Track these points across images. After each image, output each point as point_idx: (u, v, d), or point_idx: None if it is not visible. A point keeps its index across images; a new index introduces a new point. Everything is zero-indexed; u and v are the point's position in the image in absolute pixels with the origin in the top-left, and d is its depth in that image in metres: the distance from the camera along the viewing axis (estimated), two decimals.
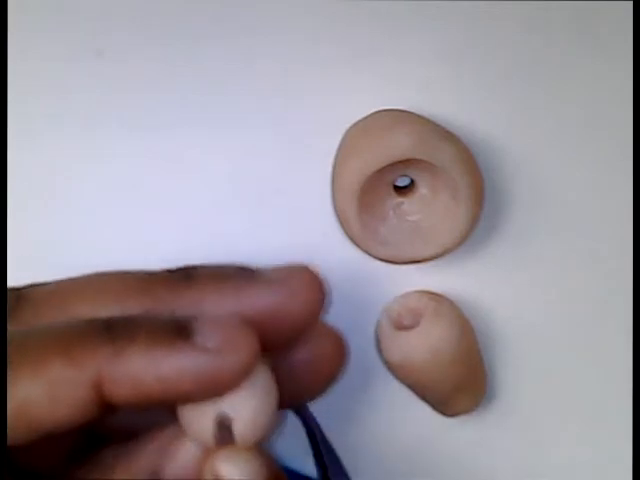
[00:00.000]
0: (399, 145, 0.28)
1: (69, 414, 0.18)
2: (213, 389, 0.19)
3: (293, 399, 0.21)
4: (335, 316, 0.33)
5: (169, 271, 0.21)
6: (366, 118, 0.31)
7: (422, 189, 0.31)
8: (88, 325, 0.19)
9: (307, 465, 0.31)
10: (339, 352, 0.23)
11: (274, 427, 0.20)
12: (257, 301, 0.21)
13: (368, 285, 0.33)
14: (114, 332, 0.18)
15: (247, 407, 0.19)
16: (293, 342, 0.22)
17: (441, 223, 0.30)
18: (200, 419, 0.19)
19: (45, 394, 0.18)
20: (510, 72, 0.32)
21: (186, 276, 0.21)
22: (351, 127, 0.31)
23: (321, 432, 0.30)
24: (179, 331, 0.19)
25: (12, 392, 0.17)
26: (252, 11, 0.31)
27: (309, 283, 0.21)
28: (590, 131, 0.32)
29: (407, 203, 0.31)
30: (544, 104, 0.32)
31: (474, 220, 0.30)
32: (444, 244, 0.30)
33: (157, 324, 0.19)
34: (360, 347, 0.33)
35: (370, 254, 0.30)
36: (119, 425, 0.22)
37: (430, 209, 0.30)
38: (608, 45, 0.32)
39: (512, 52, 0.32)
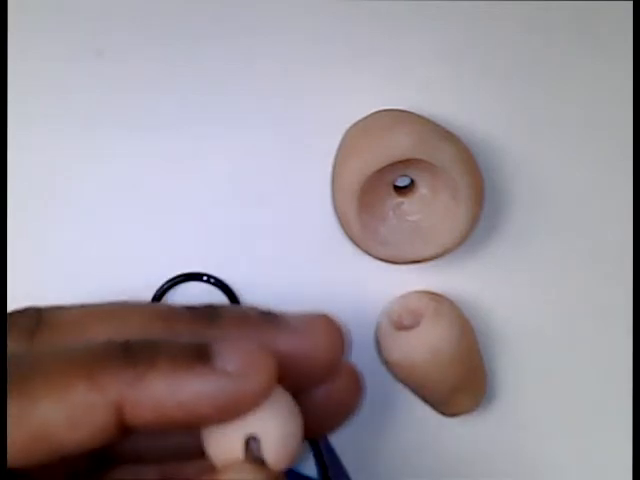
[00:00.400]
0: (399, 145, 0.28)
1: (89, 437, 0.18)
2: (234, 412, 0.19)
3: (311, 433, 0.21)
4: (334, 314, 0.33)
5: (193, 308, 0.22)
6: (366, 118, 0.31)
7: (422, 189, 0.31)
8: (109, 348, 0.19)
9: (307, 465, 0.31)
10: (357, 389, 0.24)
11: (300, 449, 0.20)
12: (279, 346, 0.21)
13: (368, 285, 0.33)
14: (135, 356, 0.19)
15: (273, 427, 0.19)
16: (315, 386, 0.23)
17: (441, 223, 0.30)
18: (226, 442, 0.19)
19: (67, 417, 0.18)
20: (510, 72, 0.32)
21: (210, 316, 0.21)
22: (351, 127, 0.31)
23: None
24: (199, 355, 0.19)
25: (33, 413, 0.18)
26: (252, 11, 0.31)
27: (330, 331, 0.22)
28: (590, 131, 0.32)
29: (407, 203, 0.31)
30: (544, 104, 0.32)
31: (474, 220, 0.30)
32: (444, 244, 0.30)
33: (177, 347, 0.19)
34: (360, 347, 0.33)
35: (370, 254, 0.30)
36: (124, 447, 0.22)
37: (430, 209, 0.30)
38: (608, 45, 0.32)
39: (512, 52, 0.32)
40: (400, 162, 0.29)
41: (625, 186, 0.32)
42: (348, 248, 0.31)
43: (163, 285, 0.32)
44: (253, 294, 0.33)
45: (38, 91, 0.32)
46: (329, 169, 0.31)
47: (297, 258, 0.33)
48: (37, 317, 0.21)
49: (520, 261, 0.33)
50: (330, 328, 0.22)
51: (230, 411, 0.19)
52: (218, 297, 0.32)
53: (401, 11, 0.31)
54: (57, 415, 0.18)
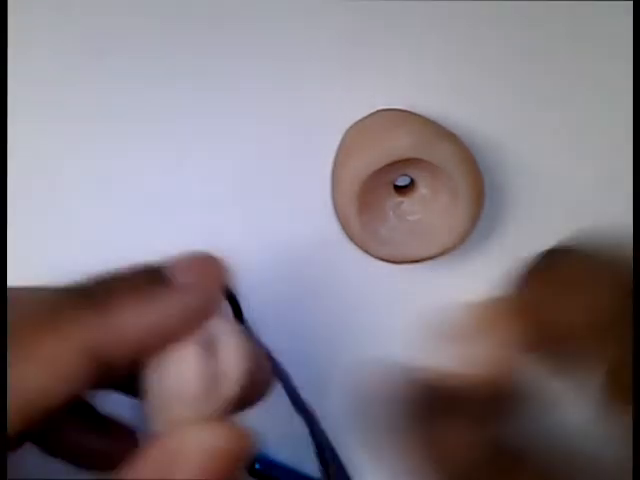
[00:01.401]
0: (399, 145, 0.28)
1: (71, 386, 0.18)
2: (199, 321, 0.19)
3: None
4: (335, 315, 0.33)
5: (81, 288, 0.21)
6: (366, 118, 0.31)
7: (422, 189, 0.31)
8: (68, 295, 0.19)
9: (309, 465, 0.31)
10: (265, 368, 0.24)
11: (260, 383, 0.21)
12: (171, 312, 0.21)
13: (368, 285, 0.33)
14: (94, 297, 0.19)
15: (232, 335, 0.20)
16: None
17: (441, 223, 0.30)
18: (183, 368, 0.20)
19: (42, 371, 0.18)
20: (510, 72, 0.32)
21: (104, 291, 0.21)
22: (351, 127, 0.31)
23: (323, 431, 0.30)
24: (154, 279, 0.19)
25: (12, 375, 0.18)
26: (252, 12, 0.31)
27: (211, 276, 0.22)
28: (590, 131, 0.32)
29: (407, 203, 0.31)
30: (544, 104, 0.32)
31: (474, 220, 0.30)
32: (444, 244, 0.30)
33: (132, 279, 0.19)
34: (359, 346, 0.33)
35: (370, 254, 0.30)
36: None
37: (430, 209, 0.30)
38: (608, 45, 0.32)
39: (512, 52, 0.32)
40: (400, 162, 0.29)
41: (625, 186, 0.32)
42: (348, 248, 0.31)
43: None
44: (253, 294, 0.33)
45: (38, 91, 0.32)
46: (329, 169, 0.31)
47: (297, 258, 0.33)
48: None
49: (520, 261, 0.33)
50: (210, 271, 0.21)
51: (196, 322, 0.19)
52: None
53: (401, 11, 0.31)
54: (33, 371, 0.18)
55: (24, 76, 0.31)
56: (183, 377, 0.19)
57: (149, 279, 0.19)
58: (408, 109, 0.31)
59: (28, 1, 0.31)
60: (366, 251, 0.30)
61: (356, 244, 0.30)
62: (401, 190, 0.31)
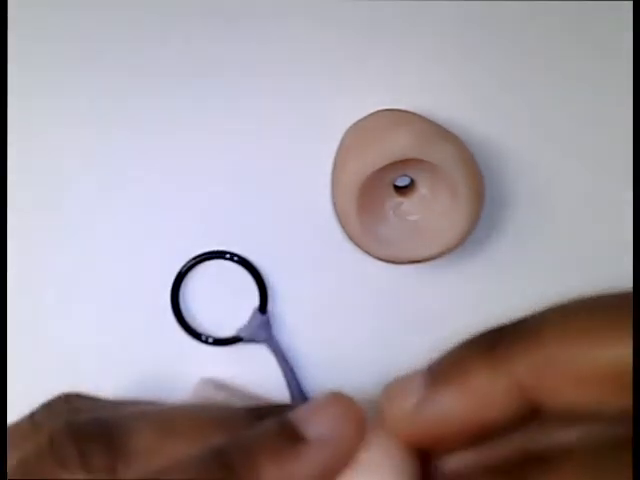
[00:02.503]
0: (399, 145, 0.28)
1: None
2: (335, 472, 0.19)
3: None
4: (335, 314, 0.33)
5: (247, 410, 0.22)
6: (366, 118, 0.31)
7: (422, 189, 0.31)
8: (204, 463, 0.19)
9: None
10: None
11: None
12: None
13: (368, 285, 0.33)
14: (233, 465, 0.19)
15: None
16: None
17: (441, 223, 0.30)
18: None
19: None
20: (510, 72, 0.32)
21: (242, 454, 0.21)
22: (351, 127, 0.31)
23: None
24: (291, 436, 0.19)
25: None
26: (252, 12, 0.31)
27: (350, 427, 0.21)
28: (590, 131, 0.32)
29: (407, 203, 0.31)
30: (544, 104, 0.32)
31: (474, 220, 0.30)
32: (444, 244, 0.30)
33: (268, 439, 0.19)
34: (358, 347, 0.33)
35: (370, 254, 0.30)
36: None
37: (430, 209, 0.30)
38: (608, 45, 0.32)
39: (512, 52, 0.32)
40: (400, 162, 0.29)
41: (625, 185, 0.32)
42: (348, 248, 0.31)
43: (187, 263, 0.32)
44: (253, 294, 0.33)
45: (38, 92, 0.32)
46: (329, 169, 0.31)
47: (297, 258, 0.33)
48: (108, 448, 0.20)
49: (520, 261, 0.33)
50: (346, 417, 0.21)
51: (333, 473, 0.19)
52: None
53: (401, 11, 0.31)
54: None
55: (24, 77, 0.31)
56: None
57: (285, 436, 0.19)
58: (408, 109, 0.31)
59: (28, 1, 0.31)
60: (366, 251, 0.30)
61: (356, 244, 0.30)
62: (401, 190, 0.31)
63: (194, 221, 0.32)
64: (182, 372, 0.33)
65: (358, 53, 0.31)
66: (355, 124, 0.31)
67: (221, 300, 0.33)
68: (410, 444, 0.19)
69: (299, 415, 0.19)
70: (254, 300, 0.33)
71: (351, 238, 0.30)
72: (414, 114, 0.31)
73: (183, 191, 0.32)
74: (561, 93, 0.32)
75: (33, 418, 0.22)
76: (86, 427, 0.21)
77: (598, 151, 0.32)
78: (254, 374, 0.33)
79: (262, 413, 0.22)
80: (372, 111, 0.31)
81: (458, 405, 0.18)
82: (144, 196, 0.32)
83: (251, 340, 0.32)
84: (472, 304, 0.33)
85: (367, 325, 0.33)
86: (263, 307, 0.32)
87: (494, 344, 0.20)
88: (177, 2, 0.31)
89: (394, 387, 0.20)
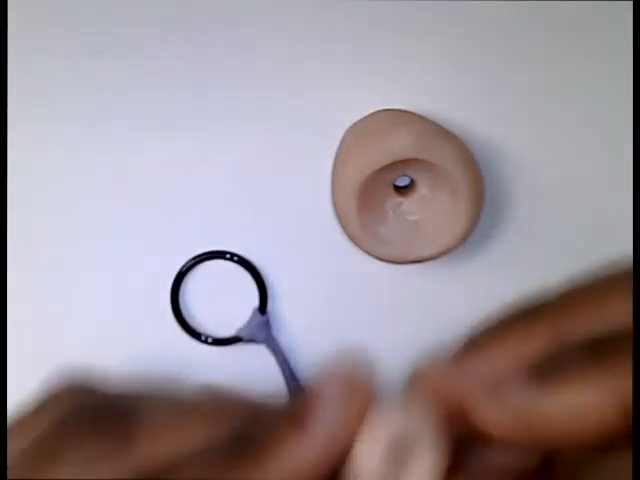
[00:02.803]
0: (399, 145, 0.28)
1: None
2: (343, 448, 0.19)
3: None
4: (335, 315, 0.33)
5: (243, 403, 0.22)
6: (366, 118, 0.31)
7: (422, 189, 0.31)
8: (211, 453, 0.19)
9: None
10: None
11: None
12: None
13: (368, 285, 0.33)
14: (239, 454, 0.19)
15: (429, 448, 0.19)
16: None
17: (441, 223, 0.30)
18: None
19: None
20: (510, 72, 0.32)
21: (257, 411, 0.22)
22: (351, 127, 0.31)
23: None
24: (295, 421, 0.19)
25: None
26: (252, 12, 0.31)
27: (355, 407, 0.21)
28: (590, 131, 0.32)
29: (407, 203, 0.31)
30: (544, 104, 0.32)
31: (474, 220, 0.30)
32: (444, 244, 0.30)
33: (274, 427, 0.19)
34: (358, 345, 0.33)
35: (370, 254, 0.30)
36: None
37: (430, 209, 0.30)
38: (608, 45, 0.32)
39: (512, 52, 0.32)
40: (400, 162, 0.29)
41: (625, 185, 0.32)
42: (348, 248, 0.31)
43: (187, 263, 0.32)
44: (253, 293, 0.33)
45: (38, 91, 0.32)
46: (329, 169, 0.31)
47: (297, 258, 0.33)
48: (122, 429, 0.20)
49: (520, 261, 0.33)
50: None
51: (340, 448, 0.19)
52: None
53: (401, 11, 0.31)
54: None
55: (24, 77, 0.31)
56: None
57: (291, 421, 0.19)
58: (408, 109, 0.31)
59: (28, 1, 0.31)
60: (366, 251, 0.30)
61: (356, 244, 0.30)
62: (401, 190, 0.31)
63: (194, 221, 0.32)
64: (181, 372, 0.33)
65: (358, 53, 0.31)
66: (355, 124, 0.31)
67: (221, 300, 0.33)
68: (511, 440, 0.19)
69: (305, 400, 0.19)
70: (253, 300, 0.33)
71: (351, 238, 0.30)
72: (414, 114, 0.31)
73: (183, 191, 0.32)
74: (561, 93, 0.32)
75: (39, 403, 0.22)
76: (100, 407, 0.21)
77: (598, 151, 0.32)
78: (253, 374, 0.33)
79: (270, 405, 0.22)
80: (372, 111, 0.31)
81: (564, 409, 0.18)
82: (144, 196, 0.32)
83: (250, 340, 0.32)
84: (472, 304, 0.33)
85: (367, 325, 0.33)
86: (263, 307, 0.32)
87: (601, 352, 0.19)
88: (177, 2, 0.31)
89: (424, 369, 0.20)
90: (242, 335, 0.32)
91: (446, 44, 0.31)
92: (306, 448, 0.19)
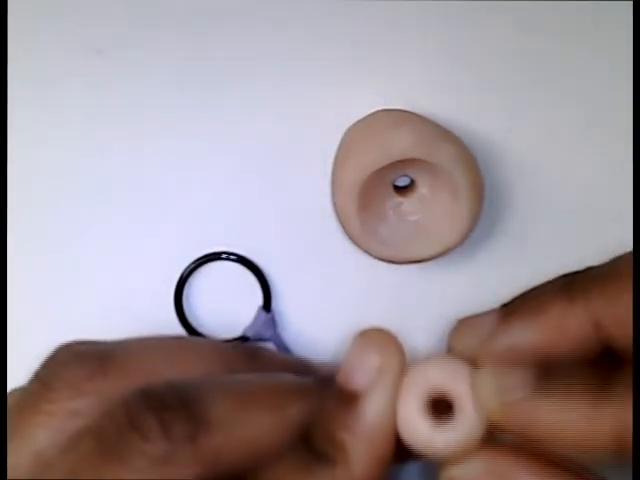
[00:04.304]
0: (399, 145, 0.28)
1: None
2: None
3: None
4: (335, 315, 0.33)
5: (235, 347, 0.22)
6: (366, 118, 0.31)
7: (422, 189, 0.31)
8: None
9: None
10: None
11: None
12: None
13: (368, 285, 0.33)
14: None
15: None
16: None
17: (441, 223, 0.30)
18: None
19: None
20: (510, 72, 0.32)
21: (252, 353, 0.22)
22: (351, 127, 0.31)
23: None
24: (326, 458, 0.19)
25: None
26: (252, 11, 0.31)
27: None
28: (590, 131, 0.32)
29: (407, 203, 0.31)
30: (544, 104, 0.32)
31: (474, 220, 0.30)
32: (444, 244, 0.30)
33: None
34: None
35: (370, 254, 0.30)
36: None
37: (430, 209, 0.30)
38: (608, 45, 0.32)
39: (512, 52, 0.32)
40: (400, 162, 0.29)
41: (625, 186, 0.32)
42: (348, 248, 0.31)
43: (189, 266, 0.32)
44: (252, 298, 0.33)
45: (38, 91, 0.32)
46: (329, 169, 0.31)
47: (297, 258, 0.33)
48: (188, 417, 0.20)
49: (520, 261, 0.33)
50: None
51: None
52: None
53: (401, 11, 0.31)
54: None
55: (23, 77, 0.31)
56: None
57: (344, 403, 0.20)
58: (408, 109, 0.31)
59: (28, 1, 0.31)
60: (366, 251, 0.30)
61: (356, 244, 0.30)
62: (401, 190, 0.31)
63: (195, 222, 0.32)
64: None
65: (358, 53, 0.31)
66: (355, 124, 0.31)
67: (224, 301, 0.33)
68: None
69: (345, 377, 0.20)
70: (255, 302, 0.33)
71: (351, 238, 0.30)
72: (414, 114, 0.31)
73: (184, 192, 0.32)
74: (561, 93, 0.32)
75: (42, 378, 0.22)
76: (164, 395, 0.20)
77: (598, 151, 0.32)
78: None
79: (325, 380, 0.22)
80: (372, 111, 0.31)
81: (531, 335, 0.19)
82: (144, 198, 0.32)
83: (257, 339, 0.32)
84: (472, 304, 0.33)
85: (366, 324, 0.33)
86: (267, 305, 0.32)
87: (571, 282, 0.20)
88: (177, 2, 0.31)
89: (465, 321, 0.21)
90: (249, 334, 0.32)
91: (446, 44, 0.31)
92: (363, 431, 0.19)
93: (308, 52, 0.31)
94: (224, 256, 0.32)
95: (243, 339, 0.32)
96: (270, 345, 0.33)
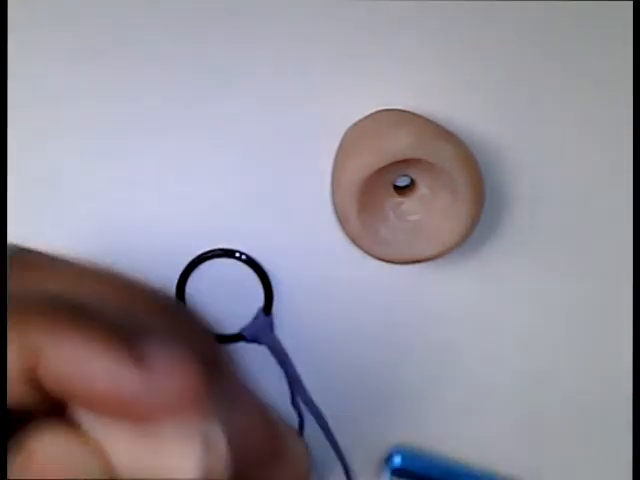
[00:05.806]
0: (399, 145, 0.28)
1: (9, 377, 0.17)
2: (143, 415, 0.16)
3: None
4: (335, 315, 0.33)
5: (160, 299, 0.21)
6: (366, 118, 0.31)
7: (422, 189, 0.31)
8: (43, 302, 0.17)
9: None
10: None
11: None
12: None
13: (368, 285, 0.33)
14: (60, 311, 0.17)
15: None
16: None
17: (441, 223, 0.30)
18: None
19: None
20: (510, 72, 0.32)
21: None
22: (351, 127, 0.31)
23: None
24: (129, 344, 0.17)
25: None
26: (252, 11, 0.31)
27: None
28: (590, 131, 0.32)
29: (407, 203, 0.31)
30: (544, 104, 0.32)
31: (474, 220, 0.30)
32: (444, 244, 0.30)
33: (109, 324, 0.17)
34: (358, 347, 0.33)
35: (370, 254, 0.30)
36: None
37: (430, 209, 0.30)
38: (608, 45, 0.32)
39: (512, 52, 0.32)
40: (400, 162, 0.29)
41: (625, 185, 0.32)
42: (348, 248, 0.31)
43: (193, 260, 0.32)
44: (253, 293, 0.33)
45: (38, 91, 0.32)
46: (329, 169, 0.31)
47: (297, 258, 0.33)
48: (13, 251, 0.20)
49: (520, 261, 0.33)
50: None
51: (140, 413, 0.16)
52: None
53: (401, 11, 0.31)
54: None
55: (23, 77, 0.31)
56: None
57: (124, 338, 0.17)
58: (408, 109, 0.31)
59: (28, 1, 0.31)
60: (366, 251, 0.30)
61: (356, 244, 0.30)
62: (401, 190, 0.31)
63: (196, 222, 0.32)
64: None
65: (358, 53, 0.31)
66: (355, 124, 0.31)
67: (225, 300, 0.33)
68: None
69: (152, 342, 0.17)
70: (256, 302, 0.33)
71: (351, 238, 0.30)
72: (414, 114, 0.31)
73: (184, 191, 0.32)
74: (561, 93, 0.32)
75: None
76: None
77: (598, 151, 0.32)
78: (254, 374, 0.33)
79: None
80: (372, 111, 0.31)
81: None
82: (147, 197, 0.32)
83: (253, 340, 0.32)
84: (472, 304, 0.33)
85: (367, 324, 0.33)
86: (268, 308, 0.32)
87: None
88: (177, 3, 0.31)
89: None
90: (245, 334, 0.32)
91: (446, 44, 0.31)
92: (119, 370, 0.16)
93: (308, 52, 0.31)
94: (237, 254, 0.32)
95: (239, 337, 0.32)
96: (266, 347, 0.33)
